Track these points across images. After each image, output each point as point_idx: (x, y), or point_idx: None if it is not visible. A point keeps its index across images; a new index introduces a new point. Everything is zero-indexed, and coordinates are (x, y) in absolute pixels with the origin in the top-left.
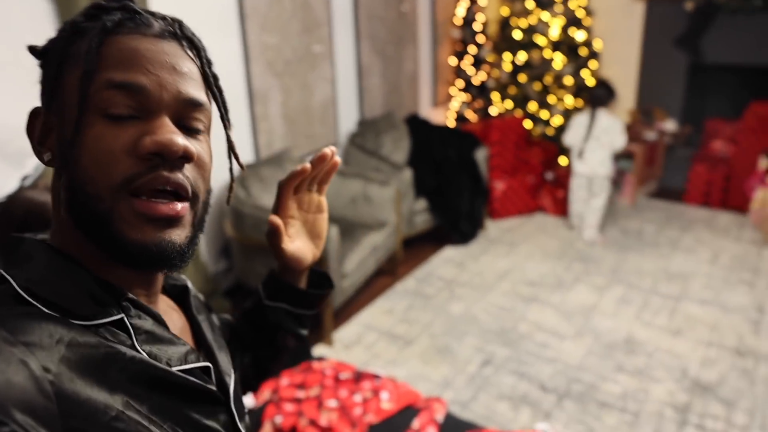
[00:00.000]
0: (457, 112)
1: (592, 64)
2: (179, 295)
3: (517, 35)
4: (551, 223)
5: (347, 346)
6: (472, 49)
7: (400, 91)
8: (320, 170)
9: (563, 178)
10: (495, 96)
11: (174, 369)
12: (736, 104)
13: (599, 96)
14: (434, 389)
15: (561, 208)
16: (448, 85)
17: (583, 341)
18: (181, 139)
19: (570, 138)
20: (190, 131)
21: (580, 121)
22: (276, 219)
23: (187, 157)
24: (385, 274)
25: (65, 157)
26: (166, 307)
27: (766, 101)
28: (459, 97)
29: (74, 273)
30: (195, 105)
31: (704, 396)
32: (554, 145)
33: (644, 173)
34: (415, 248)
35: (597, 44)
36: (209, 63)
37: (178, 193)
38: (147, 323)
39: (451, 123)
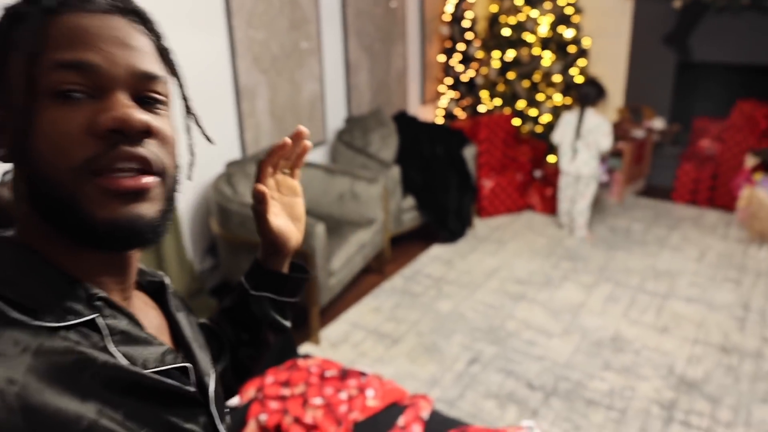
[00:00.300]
0: (446, 110)
1: (581, 61)
2: (156, 292)
3: (506, 32)
4: (539, 221)
5: (334, 344)
6: (460, 46)
7: (388, 88)
8: (297, 147)
9: (552, 176)
10: (484, 93)
11: (150, 371)
12: (724, 102)
13: (587, 94)
14: (421, 387)
15: (549, 206)
16: (436, 82)
17: (571, 339)
18: (139, 113)
19: (558, 136)
20: (149, 106)
21: (568, 119)
22: (262, 186)
23: (148, 131)
24: (373, 272)
25: (20, 147)
26: (142, 304)
27: (753, 100)
28: (447, 95)
29: (43, 272)
30: (150, 78)
31: (690, 393)
32: (543, 142)
33: (632, 171)
34: (403, 246)
35: (586, 42)
36: (159, 36)
37: (143, 168)
38: (122, 323)
39: (440, 120)
